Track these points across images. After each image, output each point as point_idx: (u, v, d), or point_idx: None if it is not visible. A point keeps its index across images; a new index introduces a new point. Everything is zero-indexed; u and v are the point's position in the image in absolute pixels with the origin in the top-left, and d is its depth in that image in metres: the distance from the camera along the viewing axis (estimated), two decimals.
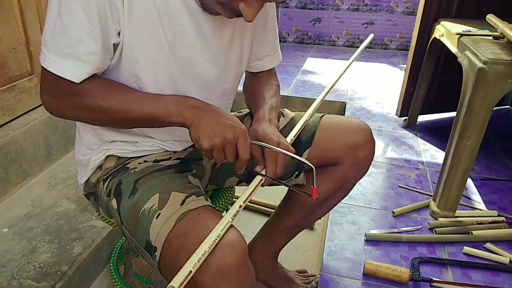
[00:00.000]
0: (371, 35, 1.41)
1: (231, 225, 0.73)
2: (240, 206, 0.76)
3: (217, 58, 0.89)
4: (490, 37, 1.58)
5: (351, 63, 1.14)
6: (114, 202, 0.86)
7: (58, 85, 0.76)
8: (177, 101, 0.78)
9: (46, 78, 0.77)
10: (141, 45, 0.78)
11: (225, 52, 0.90)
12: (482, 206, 1.63)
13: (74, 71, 0.74)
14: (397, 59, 3.61)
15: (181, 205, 0.76)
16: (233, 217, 0.73)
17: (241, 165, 0.81)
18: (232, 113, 1.11)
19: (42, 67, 0.75)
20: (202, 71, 0.87)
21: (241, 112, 1.14)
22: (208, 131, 0.76)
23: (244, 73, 1.08)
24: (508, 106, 2.62)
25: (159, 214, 0.76)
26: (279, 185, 0.91)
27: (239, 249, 0.70)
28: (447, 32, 1.79)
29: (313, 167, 0.79)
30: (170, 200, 0.77)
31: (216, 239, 0.68)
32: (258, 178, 0.83)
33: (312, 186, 0.80)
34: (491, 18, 1.60)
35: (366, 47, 1.01)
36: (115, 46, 0.78)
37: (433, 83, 2.23)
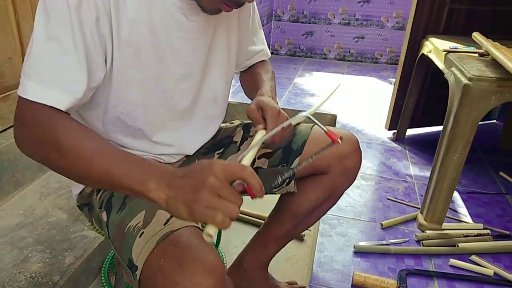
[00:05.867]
0: (338, 85, 1.37)
1: (212, 247, 0.72)
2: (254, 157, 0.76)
3: (209, 68, 0.92)
4: (476, 54, 1.64)
5: (319, 105, 1.05)
6: (104, 215, 0.86)
7: (29, 112, 0.68)
8: (141, 165, 0.64)
9: (20, 107, 0.69)
10: (131, 68, 0.79)
11: (215, 60, 0.93)
12: (468, 219, 1.67)
13: (57, 99, 0.68)
14: (387, 73, 3.67)
15: (164, 224, 0.74)
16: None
17: (259, 192, 0.61)
18: (224, 124, 1.13)
19: (20, 97, 0.68)
20: (196, 84, 0.90)
21: (233, 123, 1.16)
22: (184, 203, 0.58)
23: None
24: (495, 121, 2.68)
25: (142, 233, 0.75)
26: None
27: (215, 273, 0.67)
28: (434, 48, 1.84)
29: (323, 127, 0.75)
30: (154, 219, 0.76)
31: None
32: (260, 133, 0.83)
33: (326, 132, 0.74)
34: (476, 36, 1.66)
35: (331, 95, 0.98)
36: (99, 77, 0.76)
37: (421, 97, 2.28)
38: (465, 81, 1.38)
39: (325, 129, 0.72)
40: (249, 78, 1.10)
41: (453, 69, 1.51)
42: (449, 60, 1.60)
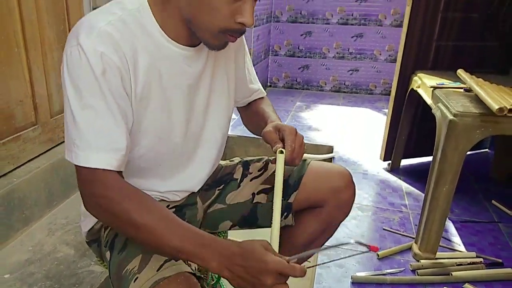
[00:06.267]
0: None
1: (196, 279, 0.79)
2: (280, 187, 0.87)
3: (211, 107, 0.99)
4: (462, 90, 1.73)
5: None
6: (108, 254, 0.92)
7: (93, 183, 0.77)
8: (204, 245, 0.76)
9: (80, 177, 0.78)
10: (143, 118, 0.86)
11: (216, 98, 1.00)
12: (461, 247, 1.72)
13: (107, 161, 0.76)
14: (381, 104, 3.79)
15: (157, 270, 0.77)
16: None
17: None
18: (224, 162, 1.20)
19: (77, 166, 0.77)
20: (201, 124, 0.98)
21: (233, 161, 1.22)
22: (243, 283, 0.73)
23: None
24: (487, 150, 2.75)
25: (137, 278, 0.78)
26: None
27: None
28: (422, 84, 1.94)
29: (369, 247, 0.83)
30: (149, 264, 0.79)
31: None
32: (281, 157, 0.89)
33: (369, 247, 0.83)
34: (461, 73, 1.76)
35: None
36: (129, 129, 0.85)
37: (414, 129, 2.37)
38: (450, 116, 1.46)
39: (367, 246, 0.80)
40: (253, 113, 1.16)
41: (440, 104, 1.60)
42: (436, 96, 1.70)
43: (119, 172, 0.80)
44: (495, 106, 1.35)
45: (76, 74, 0.75)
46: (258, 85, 1.19)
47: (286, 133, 0.93)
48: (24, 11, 1.60)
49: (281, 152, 0.90)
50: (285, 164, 0.92)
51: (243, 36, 1.06)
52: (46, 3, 1.73)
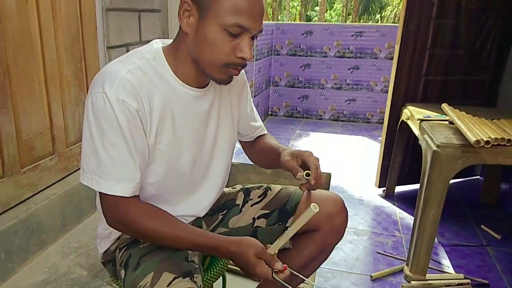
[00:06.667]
0: None
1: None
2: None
3: (218, 140, 1.11)
4: (447, 122, 1.87)
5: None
6: (122, 273, 1.03)
7: (115, 207, 0.92)
8: (213, 248, 0.97)
9: (103, 203, 0.93)
10: (155, 151, 0.98)
11: (222, 132, 1.12)
12: (451, 270, 1.82)
13: (124, 189, 0.91)
14: (378, 132, 3.93)
15: (167, 286, 0.88)
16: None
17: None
18: (227, 189, 1.32)
19: (100, 193, 0.92)
20: (208, 156, 1.10)
21: (235, 188, 1.33)
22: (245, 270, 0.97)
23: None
24: (478, 176, 2.86)
25: None
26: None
27: None
28: (411, 116, 2.08)
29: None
30: (160, 280, 0.89)
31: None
32: (310, 212, 0.96)
33: None
34: (445, 107, 1.90)
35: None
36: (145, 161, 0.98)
37: (406, 158, 2.49)
38: (434, 147, 1.60)
39: None
40: (260, 150, 1.28)
41: (425, 136, 1.74)
42: (423, 128, 1.83)
43: (136, 196, 0.94)
44: (472, 139, 1.48)
45: (101, 117, 0.88)
46: (260, 123, 1.31)
47: (306, 156, 1.06)
48: (46, 51, 1.77)
49: (308, 174, 1.03)
50: (311, 187, 1.05)
51: (246, 79, 1.20)
52: (65, 43, 1.89)
